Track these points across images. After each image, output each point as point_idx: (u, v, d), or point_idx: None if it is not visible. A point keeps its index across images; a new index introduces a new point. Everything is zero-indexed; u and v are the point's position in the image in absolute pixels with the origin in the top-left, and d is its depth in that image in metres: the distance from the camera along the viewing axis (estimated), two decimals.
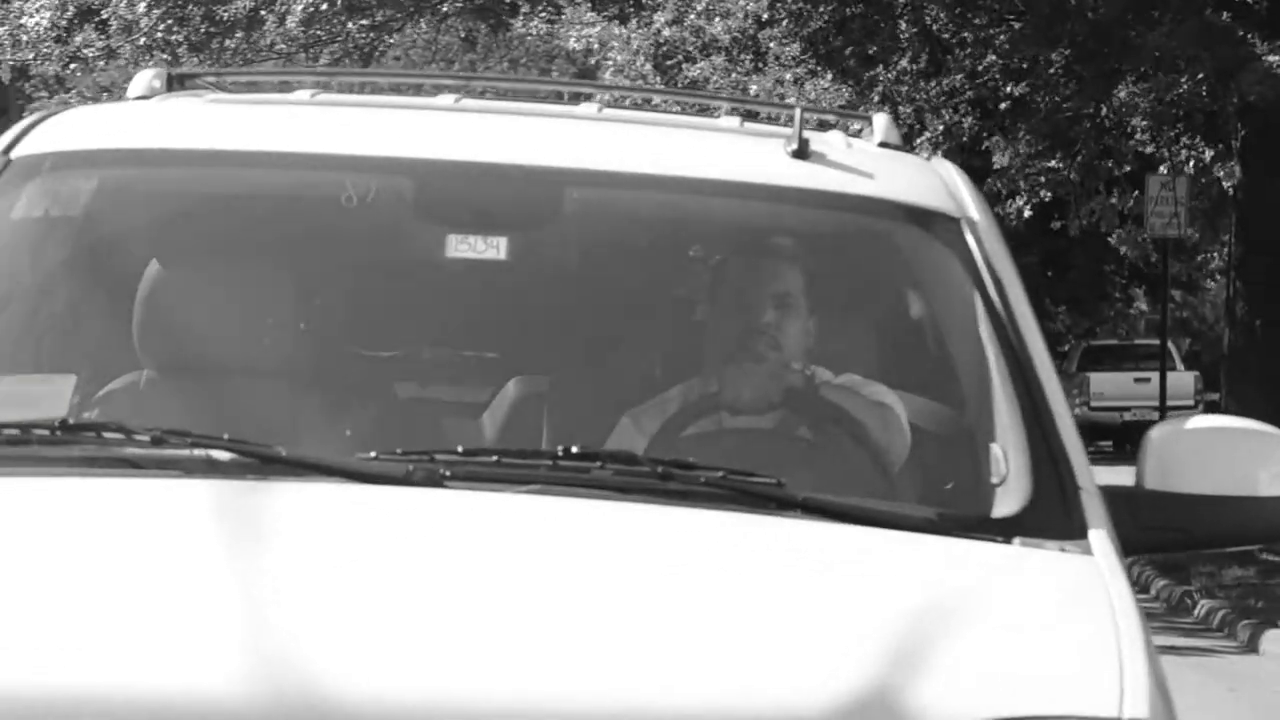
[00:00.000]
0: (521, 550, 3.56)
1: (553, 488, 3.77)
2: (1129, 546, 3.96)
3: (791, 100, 18.74)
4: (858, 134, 4.93)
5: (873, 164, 4.55)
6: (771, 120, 5.21)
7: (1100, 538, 3.87)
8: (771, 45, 24.13)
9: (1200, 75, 21.04)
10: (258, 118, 4.70)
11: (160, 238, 4.57)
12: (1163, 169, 27.18)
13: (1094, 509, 3.94)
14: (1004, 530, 3.86)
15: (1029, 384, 4.12)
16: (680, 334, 4.63)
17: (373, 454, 3.85)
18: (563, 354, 4.56)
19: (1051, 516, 3.90)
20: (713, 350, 4.48)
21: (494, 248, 4.44)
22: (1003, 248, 4.39)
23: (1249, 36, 20.45)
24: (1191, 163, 27.20)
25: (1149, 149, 26.76)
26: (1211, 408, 32.16)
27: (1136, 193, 27.84)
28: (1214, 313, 45.67)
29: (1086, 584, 3.71)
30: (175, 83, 4.82)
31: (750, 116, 5.09)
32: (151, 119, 4.59)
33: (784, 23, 23.75)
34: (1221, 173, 26.64)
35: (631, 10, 24.71)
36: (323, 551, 3.50)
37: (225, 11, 27.09)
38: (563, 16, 25.01)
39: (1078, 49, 22.43)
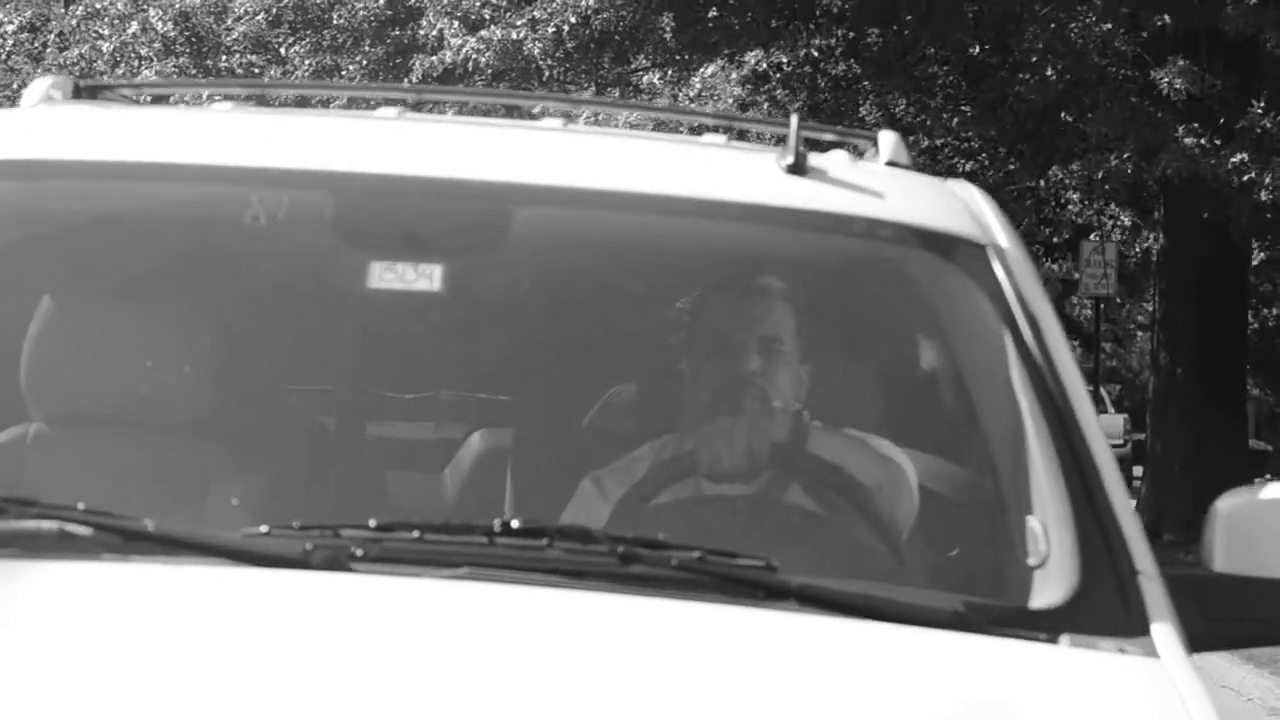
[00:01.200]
0: (442, 657, 2.32)
1: (488, 571, 2.51)
2: (1195, 642, 2.67)
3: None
4: (860, 155, 3.59)
5: (881, 183, 3.19)
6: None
7: (1166, 634, 2.60)
8: (752, 127, 23.21)
9: (1126, 155, 19.96)
10: (155, 125, 3.33)
11: (31, 263, 3.26)
12: (1094, 236, 26.35)
13: (1156, 598, 2.66)
14: (1048, 625, 2.59)
15: (1072, 443, 2.80)
16: (652, 382, 3.32)
17: (264, 529, 2.57)
18: (507, 404, 3.27)
19: (1106, 608, 2.62)
20: (689, 402, 3.16)
21: (426, 277, 3.12)
22: (1036, 281, 3.07)
23: (1168, 120, 19.38)
24: (1118, 230, 26.34)
25: (1082, 219, 25.86)
26: (1139, 446, 31.14)
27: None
28: (1139, 362, 44.96)
29: (1157, 696, 2.45)
30: (85, 95, 3.50)
31: (741, 138, 3.74)
32: (32, 127, 3.24)
33: (765, 106, 22.76)
34: (1149, 238, 25.76)
35: (631, 94, 23.52)
36: (174, 662, 2.23)
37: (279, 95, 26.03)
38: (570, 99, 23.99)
39: (1019, 129, 21.45)
